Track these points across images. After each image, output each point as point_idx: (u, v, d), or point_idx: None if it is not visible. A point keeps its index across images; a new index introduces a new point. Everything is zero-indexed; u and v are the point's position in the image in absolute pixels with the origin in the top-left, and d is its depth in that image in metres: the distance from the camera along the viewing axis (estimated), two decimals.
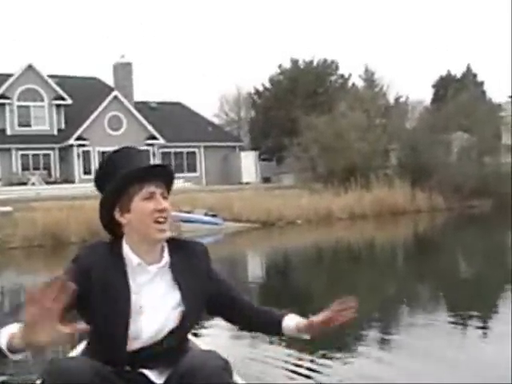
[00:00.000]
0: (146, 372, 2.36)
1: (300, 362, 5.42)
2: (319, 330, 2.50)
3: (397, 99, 52.71)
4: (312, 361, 5.48)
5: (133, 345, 2.36)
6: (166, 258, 2.45)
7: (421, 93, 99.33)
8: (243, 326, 2.74)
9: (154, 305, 2.39)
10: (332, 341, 6.08)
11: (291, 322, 2.54)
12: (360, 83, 55.72)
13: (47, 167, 41.48)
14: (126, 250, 2.42)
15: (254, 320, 2.60)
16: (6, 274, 17.38)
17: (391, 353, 5.73)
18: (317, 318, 2.48)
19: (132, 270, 2.41)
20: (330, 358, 5.53)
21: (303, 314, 2.56)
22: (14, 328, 2.01)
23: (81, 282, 2.25)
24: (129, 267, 2.41)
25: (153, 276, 2.42)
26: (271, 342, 6.03)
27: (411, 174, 35.09)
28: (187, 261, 2.48)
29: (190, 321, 2.44)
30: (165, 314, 2.40)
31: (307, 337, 2.55)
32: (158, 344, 2.38)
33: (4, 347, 2.01)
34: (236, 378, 2.77)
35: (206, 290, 2.49)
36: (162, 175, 2.46)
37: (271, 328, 2.59)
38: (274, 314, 2.60)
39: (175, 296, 2.42)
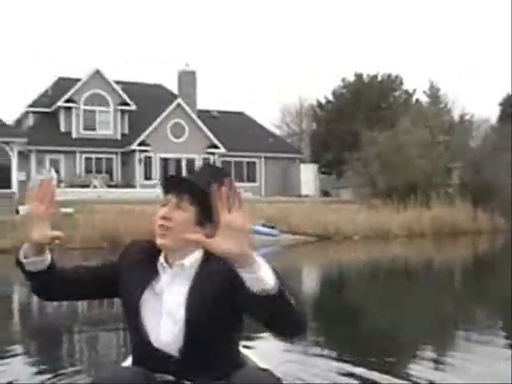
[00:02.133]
0: None
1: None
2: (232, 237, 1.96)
3: (462, 116, 51.98)
4: (361, 378, 5.39)
5: (154, 346, 2.39)
6: (188, 261, 2.43)
7: (487, 111, 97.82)
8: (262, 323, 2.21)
9: (171, 309, 2.41)
10: (384, 360, 6.00)
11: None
12: (424, 99, 55.18)
13: (109, 171, 42.15)
14: None
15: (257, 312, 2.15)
16: None
17: (444, 374, 5.59)
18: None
19: (161, 270, 2.48)
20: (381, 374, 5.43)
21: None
22: None
23: (113, 266, 2.56)
24: (160, 268, 2.48)
25: (171, 279, 2.44)
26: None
27: (473, 194, 34.53)
28: (218, 268, 2.34)
29: (200, 329, 2.34)
30: (180, 320, 2.38)
31: (249, 271, 2.01)
32: (181, 352, 2.36)
33: (21, 256, 2.48)
34: None
35: (229, 297, 2.30)
36: (179, 186, 2.46)
37: (253, 299, 2.05)
38: None
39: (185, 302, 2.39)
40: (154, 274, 2.45)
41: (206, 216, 2.41)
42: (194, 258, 2.44)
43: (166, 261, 2.46)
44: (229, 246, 1.95)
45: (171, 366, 2.36)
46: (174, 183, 2.47)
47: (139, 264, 2.48)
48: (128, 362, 2.97)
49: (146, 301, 2.43)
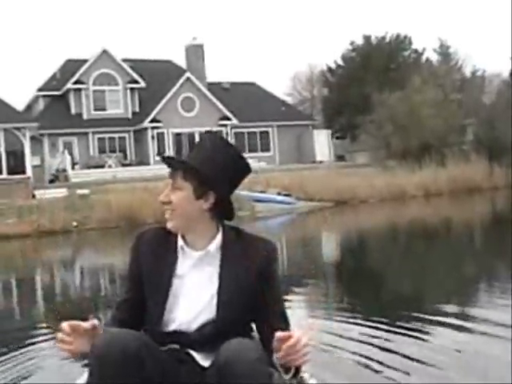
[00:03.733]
0: (193, 353, 2.37)
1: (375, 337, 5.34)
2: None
3: (473, 73, 51.49)
4: (388, 331, 5.41)
5: (169, 326, 2.40)
6: (211, 247, 2.43)
7: (498, 65, 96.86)
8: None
9: (192, 291, 2.41)
10: (409, 317, 6.02)
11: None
12: (434, 58, 54.68)
13: (123, 150, 42.20)
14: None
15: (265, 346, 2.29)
16: (84, 254, 17.82)
17: (470, 328, 5.59)
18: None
19: (181, 254, 2.46)
20: (408, 332, 5.45)
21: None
22: None
23: (135, 267, 2.51)
24: (179, 251, 2.47)
25: (196, 262, 2.44)
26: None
27: (488, 150, 34.30)
28: (244, 255, 2.42)
29: (226, 314, 2.36)
30: (201, 302, 2.39)
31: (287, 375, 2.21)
32: (197, 330, 2.38)
33: None
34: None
35: (254, 288, 2.39)
36: (170, 166, 2.45)
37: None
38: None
39: (213, 288, 2.39)
40: (174, 258, 2.45)
41: (206, 188, 2.39)
42: (216, 242, 2.45)
43: (186, 244, 2.46)
44: (290, 356, 2.13)
45: (182, 339, 2.37)
46: (167, 164, 2.46)
47: (157, 251, 2.48)
48: None
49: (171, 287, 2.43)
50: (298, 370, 2.22)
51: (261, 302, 2.41)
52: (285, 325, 2.41)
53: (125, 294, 2.54)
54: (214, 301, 2.38)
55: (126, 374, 2.13)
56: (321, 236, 18.52)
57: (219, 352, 2.16)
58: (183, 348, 2.37)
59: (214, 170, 2.38)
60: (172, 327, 2.40)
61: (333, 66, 56.87)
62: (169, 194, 2.41)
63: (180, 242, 2.46)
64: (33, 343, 5.99)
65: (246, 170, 2.49)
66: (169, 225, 2.43)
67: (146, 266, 2.47)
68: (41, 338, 6.21)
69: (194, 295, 2.40)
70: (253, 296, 2.39)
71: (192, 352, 2.37)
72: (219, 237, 2.45)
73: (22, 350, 5.66)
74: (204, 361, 2.35)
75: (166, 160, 2.46)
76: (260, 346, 2.23)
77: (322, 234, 19.16)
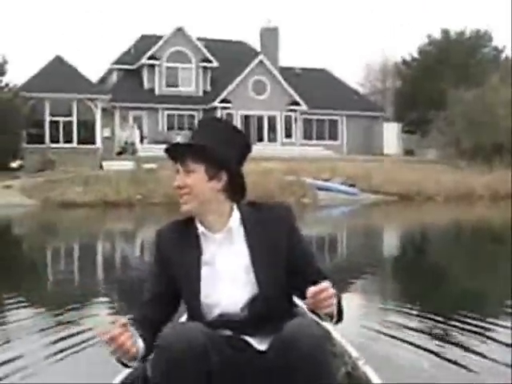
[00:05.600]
0: (248, 339, 2.36)
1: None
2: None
3: None
4: (440, 345, 5.26)
5: (215, 312, 2.37)
6: (232, 224, 2.41)
7: None
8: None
9: (226, 271, 2.39)
10: (467, 317, 5.86)
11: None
12: None
13: (191, 128, 42.41)
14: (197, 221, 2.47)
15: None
16: (146, 228, 17.99)
17: None
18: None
19: (204, 240, 2.44)
20: (459, 343, 5.28)
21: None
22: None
23: (163, 266, 2.47)
24: (201, 238, 2.44)
25: (221, 242, 2.41)
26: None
27: None
28: (264, 224, 2.42)
29: (267, 285, 2.34)
30: (240, 280, 2.37)
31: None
32: (243, 311, 2.36)
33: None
34: (350, 348, 2.85)
35: (284, 253, 2.39)
36: (178, 152, 2.41)
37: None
38: None
39: (246, 261, 2.38)
40: (198, 245, 2.44)
41: (217, 168, 2.38)
42: (235, 219, 2.44)
43: (206, 229, 2.44)
44: (317, 303, 2.12)
45: (232, 324, 2.36)
46: (173, 151, 2.44)
47: (180, 243, 2.46)
48: (184, 317, 2.92)
49: (202, 273, 2.41)
50: (339, 317, 2.31)
51: (297, 263, 2.41)
52: (323, 278, 2.37)
53: (147, 293, 2.48)
54: (251, 274, 2.36)
55: (193, 367, 2.13)
56: (383, 230, 18.29)
57: (283, 330, 2.17)
58: (236, 334, 2.35)
59: (222, 148, 2.37)
60: (217, 312, 2.37)
61: (408, 58, 56.06)
62: (183, 178, 2.39)
63: (200, 228, 2.44)
64: None
65: (248, 147, 2.50)
66: (184, 208, 2.41)
67: (172, 261, 2.44)
68: None
69: (229, 274, 2.39)
70: (285, 262, 2.39)
71: (247, 338, 2.36)
72: (236, 214, 2.44)
73: None
74: (260, 345, 2.35)
75: (172, 147, 2.43)
76: (321, 326, 2.28)
77: (385, 227, 18.92)
